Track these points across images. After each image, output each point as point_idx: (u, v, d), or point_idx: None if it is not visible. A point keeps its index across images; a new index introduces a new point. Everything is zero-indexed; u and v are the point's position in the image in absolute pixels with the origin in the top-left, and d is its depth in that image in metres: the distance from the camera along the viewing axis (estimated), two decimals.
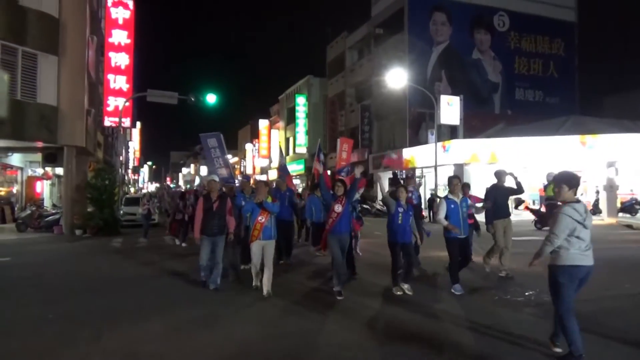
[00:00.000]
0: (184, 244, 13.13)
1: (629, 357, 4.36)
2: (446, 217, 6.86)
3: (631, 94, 31.45)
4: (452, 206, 6.96)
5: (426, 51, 29.36)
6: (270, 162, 52.04)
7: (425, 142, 27.03)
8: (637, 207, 20.84)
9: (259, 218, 6.75)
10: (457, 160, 22.67)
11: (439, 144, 22.91)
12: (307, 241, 11.97)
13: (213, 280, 7.19)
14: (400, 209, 6.85)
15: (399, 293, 6.74)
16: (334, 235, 6.75)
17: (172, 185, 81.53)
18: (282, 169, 12.34)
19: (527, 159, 20.95)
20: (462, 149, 22.85)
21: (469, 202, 7.56)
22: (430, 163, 22.52)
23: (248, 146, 61.30)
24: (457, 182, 7.16)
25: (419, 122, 29.27)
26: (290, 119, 45.95)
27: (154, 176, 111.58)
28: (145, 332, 5.17)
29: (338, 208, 6.76)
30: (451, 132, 26.48)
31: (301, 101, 43.24)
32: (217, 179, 7.71)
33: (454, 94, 26.21)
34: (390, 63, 27.81)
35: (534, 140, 21.38)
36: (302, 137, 42.88)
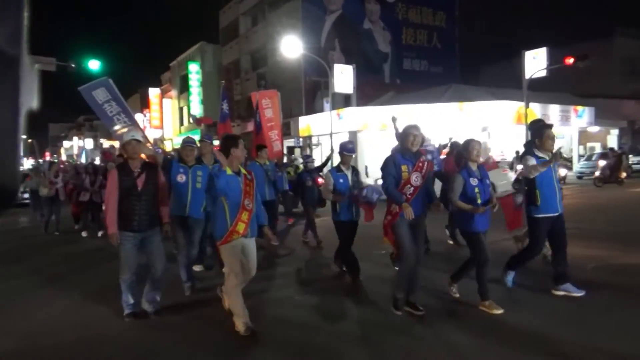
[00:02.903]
0: (100, 233, 10.15)
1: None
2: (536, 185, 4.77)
3: (505, 64, 34.81)
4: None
5: (320, 19, 29.71)
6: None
7: (322, 110, 27.69)
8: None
9: (246, 202, 4.16)
10: (351, 128, 23.65)
11: (334, 112, 23.67)
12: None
13: (151, 298, 4.72)
14: (474, 180, 4.45)
15: (498, 312, 4.35)
16: (406, 219, 4.28)
17: (54, 161, 74.65)
18: (223, 119, 8.94)
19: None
20: (355, 117, 23.85)
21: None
22: (326, 131, 23.24)
23: (138, 116, 57.78)
24: (551, 134, 4.87)
25: (314, 91, 29.82)
26: (183, 88, 44.05)
27: (29, 151, 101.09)
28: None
29: (416, 180, 4.33)
30: (345, 100, 27.40)
31: (194, 69, 41.56)
32: (139, 137, 4.73)
33: (347, 62, 26.96)
34: (284, 30, 27.74)
35: (419, 108, 22.95)
36: (196, 107, 41.43)
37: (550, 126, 4.91)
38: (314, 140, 26.57)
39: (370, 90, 28.72)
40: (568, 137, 27.84)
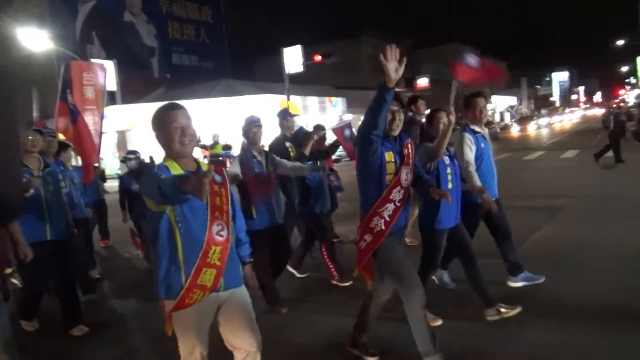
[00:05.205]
0: None
1: None
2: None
3: (274, 59, 37.10)
4: (483, 145, 4.01)
5: (71, 10, 26.89)
6: None
7: None
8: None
9: (216, 227, 2.10)
10: (118, 127, 22.27)
11: None
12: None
13: None
14: (446, 159, 3.45)
15: (494, 317, 3.45)
16: (396, 237, 2.89)
17: None
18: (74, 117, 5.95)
19: None
20: (120, 116, 22.48)
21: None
22: None
23: None
24: (482, 102, 4.06)
25: None
26: None
27: None
28: None
29: (407, 178, 2.84)
30: (112, 98, 25.56)
31: None
32: None
33: (109, 57, 25.13)
34: (28, 21, 24.29)
35: (189, 104, 22.48)
36: None
37: (479, 94, 4.09)
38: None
39: (139, 87, 27.38)
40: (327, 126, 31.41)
